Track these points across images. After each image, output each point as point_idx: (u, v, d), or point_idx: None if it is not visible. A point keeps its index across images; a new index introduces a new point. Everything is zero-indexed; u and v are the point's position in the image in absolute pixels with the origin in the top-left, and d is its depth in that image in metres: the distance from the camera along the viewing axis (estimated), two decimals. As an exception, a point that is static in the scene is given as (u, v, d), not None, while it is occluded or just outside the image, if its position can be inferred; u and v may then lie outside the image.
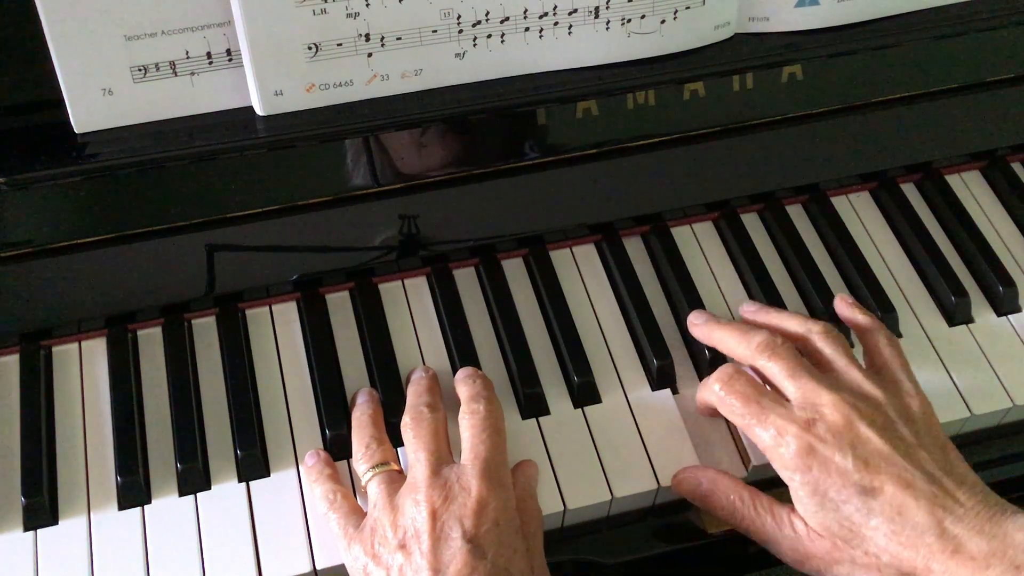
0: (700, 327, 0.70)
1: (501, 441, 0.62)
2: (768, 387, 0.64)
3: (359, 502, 0.63)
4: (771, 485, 0.63)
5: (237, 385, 0.69)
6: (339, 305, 0.74)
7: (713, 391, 0.64)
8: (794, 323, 0.67)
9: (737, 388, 0.63)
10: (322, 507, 0.63)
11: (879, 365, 0.65)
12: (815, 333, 0.66)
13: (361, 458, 0.64)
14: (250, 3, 0.62)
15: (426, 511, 0.58)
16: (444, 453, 0.62)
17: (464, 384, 0.66)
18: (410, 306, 0.74)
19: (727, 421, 0.68)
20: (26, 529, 0.63)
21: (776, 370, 0.63)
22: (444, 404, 0.66)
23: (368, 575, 0.58)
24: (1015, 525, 0.56)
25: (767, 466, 0.64)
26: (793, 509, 0.61)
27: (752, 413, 0.61)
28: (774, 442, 0.60)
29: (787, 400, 0.62)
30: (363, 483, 0.63)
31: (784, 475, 0.60)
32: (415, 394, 0.66)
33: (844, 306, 0.70)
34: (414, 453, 0.62)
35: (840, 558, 0.59)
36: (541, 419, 0.69)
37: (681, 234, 0.79)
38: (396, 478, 0.62)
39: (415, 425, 0.63)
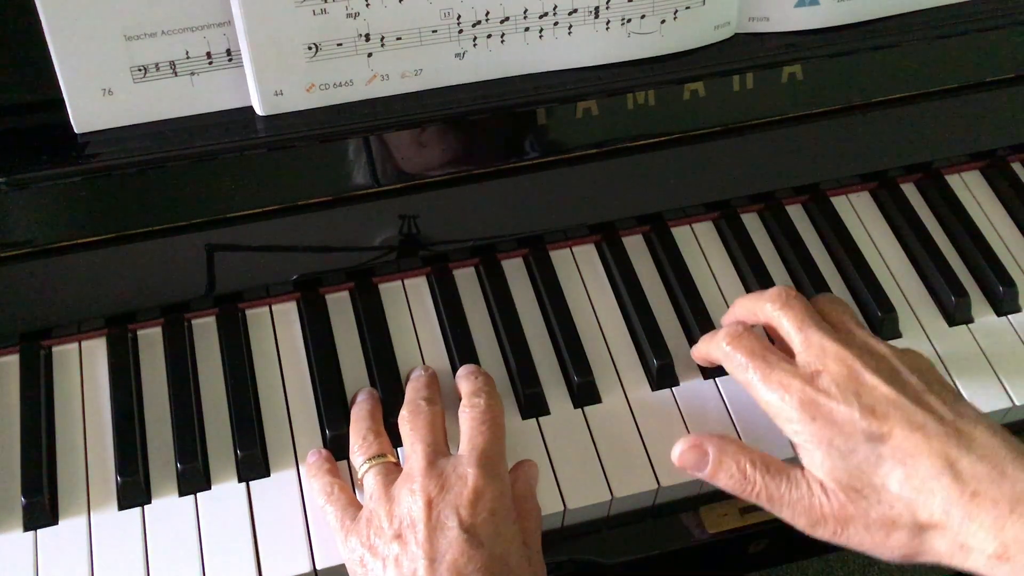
0: (726, 316, 0.69)
1: (500, 434, 0.62)
2: (776, 344, 0.64)
3: (357, 496, 0.63)
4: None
5: (237, 385, 0.69)
6: (339, 305, 0.74)
7: (720, 347, 0.63)
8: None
9: (744, 343, 0.62)
10: (320, 500, 0.63)
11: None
12: (821, 299, 0.66)
13: (358, 450, 0.64)
14: (250, 3, 0.62)
15: (422, 500, 0.58)
16: (441, 445, 0.62)
17: (466, 380, 0.66)
18: (410, 306, 0.74)
19: (730, 419, 0.68)
20: (26, 529, 0.63)
21: (785, 320, 0.62)
22: (443, 402, 0.66)
23: (365, 566, 0.58)
24: None
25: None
26: (805, 468, 0.59)
27: (757, 367, 0.61)
28: (778, 396, 0.59)
29: (792, 357, 0.62)
30: (359, 475, 0.63)
31: (789, 429, 0.59)
32: (413, 390, 0.66)
33: None
34: (411, 445, 0.62)
35: (854, 514, 0.56)
36: (541, 419, 0.69)
37: (681, 234, 0.79)
38: (392, 470, 0.62)
39: (412, 417, 0.63)
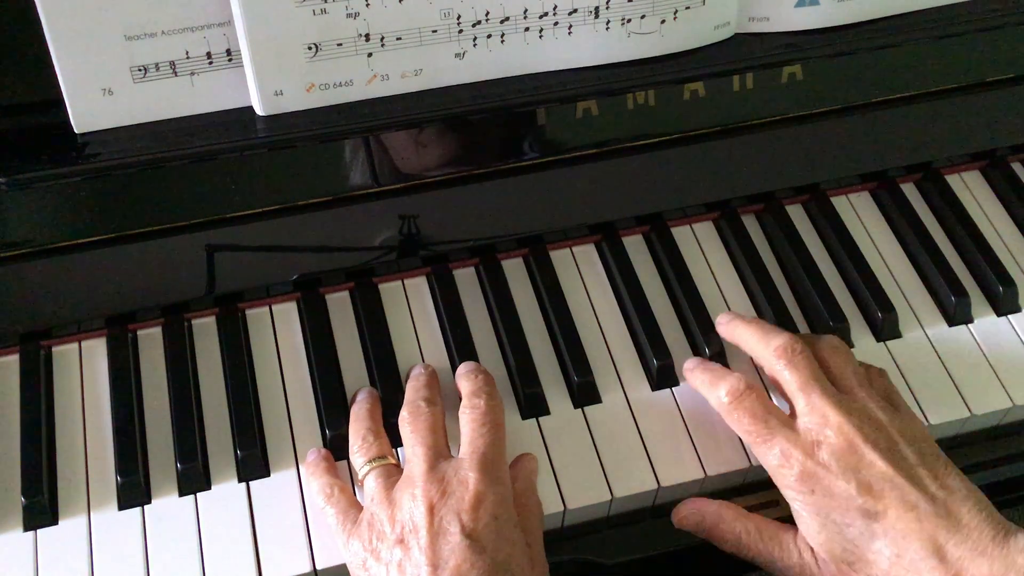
0: (725, 325, 0.70)
1: (500, 436, 0.62)
2: (778, 392, 0.65)
3: (357, 497, 0.63)
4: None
5: (237, 385, 0.69)
6: (339, 305, 0.74)
7: (719, 400, 0.64)
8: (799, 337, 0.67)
9: (746, 405, 0.63)
10: (319, 501, 0.63)
11: (877, 387, 0.65)
12: (824, 347, 0.66)
13: (357, 451, 0.64)
14: (250, 3, 0.62)
15: (424, 506, 0.58)
16: (442, 447, 0.62)
17: (465, 379, 0.66)
18: (410, 306, 0.74)
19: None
20: (26, 529, 0.63)
21: (790, 379, 0.63)
22: (443, 401, 0.66)
23: (367, 570, 0.58)
24: (1017, 547, 0.56)
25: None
26: (798, 534, 0.61)
27: (759, 432, 0.62)
28: (778, 463, 0.61)
29: (794, 416, 0.62)
30: (360, 477, 0.63)
31: (787, 495, 0.61)
32: (413, 390, 0.66)
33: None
34: (411, 448, 0.62)
35: None
36: (541, 419, 0.69)
37: (681, 234, 0.79)
38: (393, 472, 0.62)
39: (413, 419, 0.63)
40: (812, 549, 0.60)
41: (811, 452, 0.60)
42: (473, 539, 0.56)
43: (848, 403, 0.62)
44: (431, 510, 0.57)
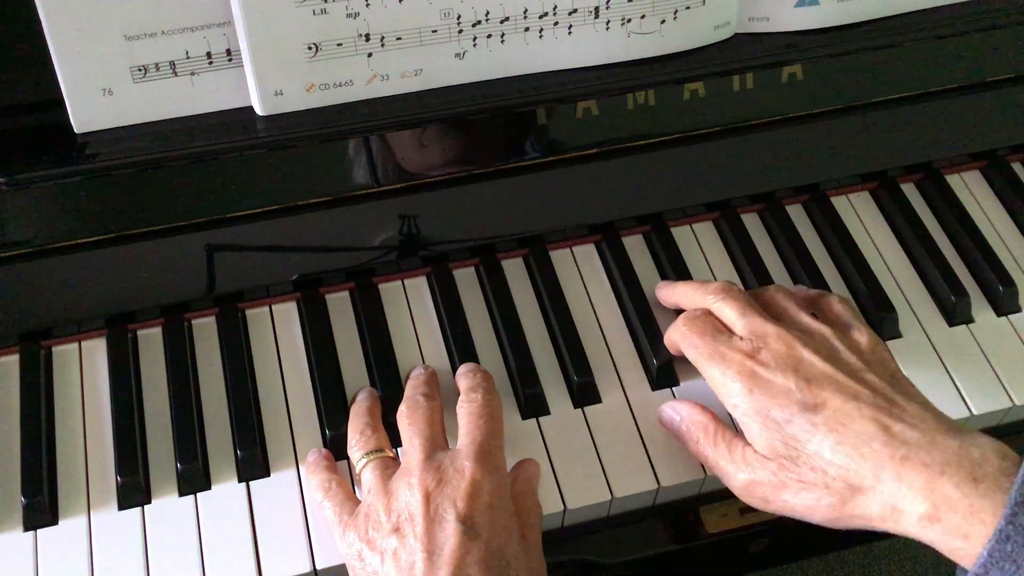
0: (664, 290, 0.73)
1: (497, 428, 0.63)
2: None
3: (355, 492, 0.64)
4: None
5: (237, 385, 0.69)
6: (339, 305, 0.74)
7: (678, 328, 0.66)
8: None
9: (698, 324, 0.65)
10: (317, 495, 0.63)
11: (831, 319, 0.67)
12: (766, 291, 0.69)
13: (355, 445, 0.64)
14: (250, 3, 0.62)
15: (420, 494, 0.58)
16: (439, 439, 0.62)
17: (464, 377, 0.67)
18: (410, 306, 0.74)
19: (730, 419, 0.68)
20: (26, 529, 0.63)
21: (728, 311, 0.65)
22: (442, 399, 0.67)
23: (363, 560, 0.58)
24: (971, 440, 0.55)
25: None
26: (747, 442, 0.61)
27: (705, 344, 0.63)
28: (719, 369, 0.62)
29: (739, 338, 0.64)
30: (357, 470, 0.63)
31: (730, 405, 0.61)
32: (412, 387, 0.67)
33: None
34: (409, 439, 0.62)
35: (786, 480, 0.58)
36: (541, 419, 0.69)
37: (681, 234, 0.79)
38: (390, 464, 0.62)
39: (410, 413, 0.64)
40: (757, 452, 0.60)
41: (751, 355, 0.61)
42: (468, 526, 0.56)
43: (788, 321, 0.64)
44: (427, 498, 0.58)
